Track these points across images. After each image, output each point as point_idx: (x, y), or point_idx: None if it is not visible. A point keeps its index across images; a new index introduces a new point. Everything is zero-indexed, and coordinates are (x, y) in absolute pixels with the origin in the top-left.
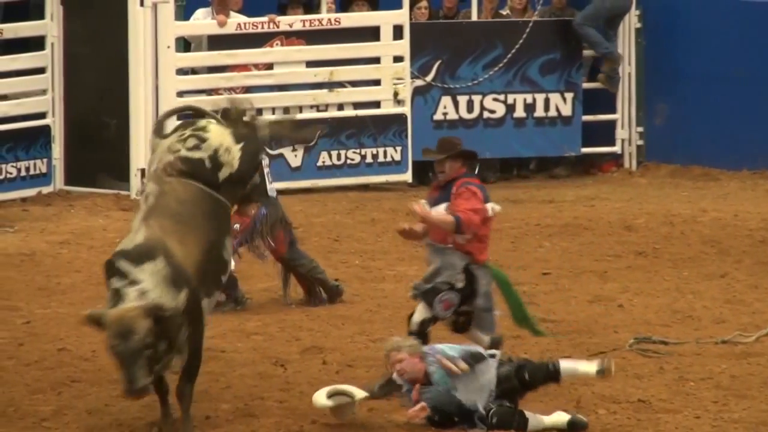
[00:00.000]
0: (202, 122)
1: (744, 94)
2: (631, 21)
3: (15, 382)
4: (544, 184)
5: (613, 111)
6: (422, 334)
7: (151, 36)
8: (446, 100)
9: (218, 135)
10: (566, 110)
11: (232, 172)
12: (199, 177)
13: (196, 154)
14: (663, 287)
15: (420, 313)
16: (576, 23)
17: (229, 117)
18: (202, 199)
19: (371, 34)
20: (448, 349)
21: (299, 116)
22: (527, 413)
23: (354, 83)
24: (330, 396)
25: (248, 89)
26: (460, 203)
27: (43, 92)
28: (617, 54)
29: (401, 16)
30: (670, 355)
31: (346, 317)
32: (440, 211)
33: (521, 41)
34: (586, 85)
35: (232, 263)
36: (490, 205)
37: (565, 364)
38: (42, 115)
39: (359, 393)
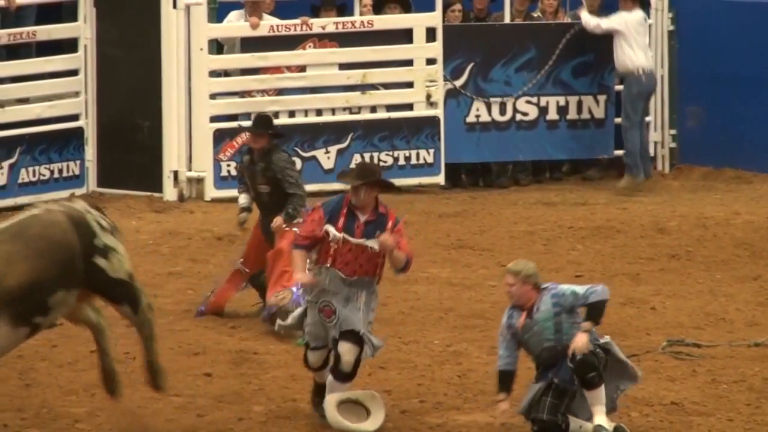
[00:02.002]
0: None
1: None
2: (664, 24)
3: (48, 383)
4: (576, 186)
5: (646, 113)
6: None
7: (184, 38)
8: (479, 103)
9: (124, 256)
10: (599, 113)
11: (104, 272)
12: (83, 240)
13: (102, 230)
14: (696, 290)
15: (352, 353)
16: (624, 126)
17: None
18: (60, 248)
19: (404, 36)
20: (573, 286)
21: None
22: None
23: (387, 86)
24: (340, 405)
25: (281, 91)
26: (404, 242)
27: (76, 94)
28: (641, 176)
29: (434, 18)
30: (703, 358)
31: (378, 319)
32: (399, 252)
33: (562, 44)
34: (618, 88)
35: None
36: None
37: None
38: (75, 117)
39: (364, 395)
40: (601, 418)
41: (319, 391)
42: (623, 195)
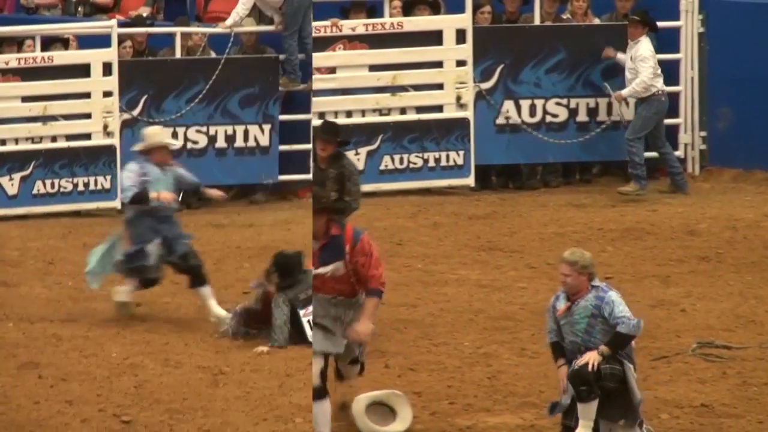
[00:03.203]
0: None
1: None
2: (694, 25)
3: None
4: (606, 188)
5: (676, 115)
6: None
7: None
8: (509, 104)
9: None
10: (629, 115)
11: None
12: None
13: None
14: (726, 292)
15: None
16: (627, 138)
17: None
18: None
19: (434, 38)
20: (619, 302)
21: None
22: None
23: (417, 87)
24: (369, 408)
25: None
26: (366, 267)
27: None
28: (645, 186)
29: (464, 20)
30: (733, 360)
31: (409, 321)
32: (368, 307)
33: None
34: None
35: None
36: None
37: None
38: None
39: (387, 395)
40: None
41: None
42: (623, 197)
